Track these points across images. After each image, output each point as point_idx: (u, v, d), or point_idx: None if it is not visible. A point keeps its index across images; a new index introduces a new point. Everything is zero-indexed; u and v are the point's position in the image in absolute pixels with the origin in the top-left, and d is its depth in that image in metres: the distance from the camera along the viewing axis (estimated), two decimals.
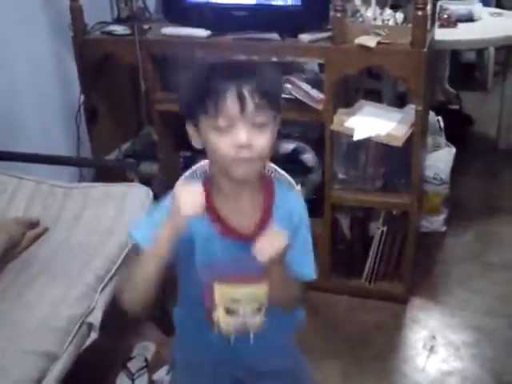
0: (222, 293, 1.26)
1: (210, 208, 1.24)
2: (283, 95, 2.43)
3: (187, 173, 1.56)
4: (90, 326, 1.76)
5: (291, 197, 1.36)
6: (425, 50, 2.17)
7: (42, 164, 2.38)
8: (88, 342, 1.75)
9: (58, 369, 1.61)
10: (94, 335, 1.76)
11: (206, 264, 1.27)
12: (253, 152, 1.17)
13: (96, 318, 1.77)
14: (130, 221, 2.05)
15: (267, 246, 1.15)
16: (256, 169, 1.23)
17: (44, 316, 1.69)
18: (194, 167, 1.55)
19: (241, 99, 1.14)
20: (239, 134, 1.15)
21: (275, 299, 1.27)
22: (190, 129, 1.24)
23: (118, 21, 2.71)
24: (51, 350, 1.61)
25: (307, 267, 1.31)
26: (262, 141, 1.18)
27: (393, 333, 2.44)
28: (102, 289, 1.85)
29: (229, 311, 1.27)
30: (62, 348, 1.64)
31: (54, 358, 1.60)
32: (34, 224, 2.05)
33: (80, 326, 1.72)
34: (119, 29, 2.55)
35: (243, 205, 1.28)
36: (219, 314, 1.27)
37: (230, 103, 1.14)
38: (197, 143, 1.24)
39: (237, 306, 1.27)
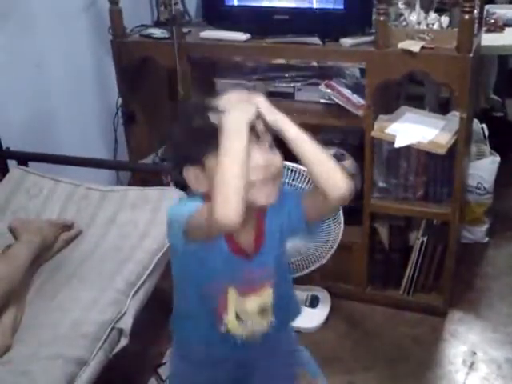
0: (233, 299, 1.33)
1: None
2: (323, 100, 2.40)
3: None
4: (121, 332, 1.73)
5: (281, 195, 1.30)
6: (471, 55, 2.10)
7: (79, 167, 2.38)
8: (118, 347, 1.72)
9: (86, 375, 1.58)
10: (124, 341, 1.73)
11: (219, 277, 1.31)
12: (272, 170, 1.21)
13: (127, 323, 1.74)
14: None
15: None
16: (275, 190, 1.24)
17: (75, 321, 1.67)
18: None
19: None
20: (256, 155, 1.17)
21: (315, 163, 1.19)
22: (191, 173, 1.22)
23: (158, 24, 2.71)
24: (80, 356, 1.58)
25: None
26: (278, 159, 1.23)
27: (431, 347, 2.36)
28: (134, 294, 1.83)
29: (238, 318, 1.35)
30: (92, 354, 1.61)
31: (82, 363, 1.58)
32: (68, 226, 2.05)
33: (110, 332, 1.69)
34: (158, 32, 2.54)
35: (250, 224, 1.29)
36: (229, 318, 1.34)
37: None
38: (202, 185, 1.22)
39: (245, 316, 1.35)
